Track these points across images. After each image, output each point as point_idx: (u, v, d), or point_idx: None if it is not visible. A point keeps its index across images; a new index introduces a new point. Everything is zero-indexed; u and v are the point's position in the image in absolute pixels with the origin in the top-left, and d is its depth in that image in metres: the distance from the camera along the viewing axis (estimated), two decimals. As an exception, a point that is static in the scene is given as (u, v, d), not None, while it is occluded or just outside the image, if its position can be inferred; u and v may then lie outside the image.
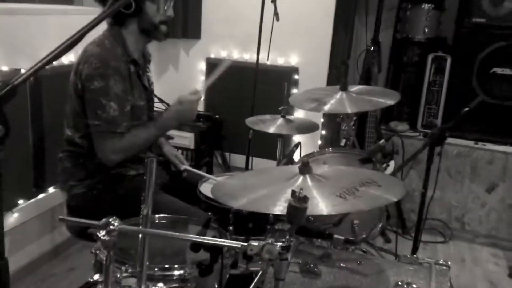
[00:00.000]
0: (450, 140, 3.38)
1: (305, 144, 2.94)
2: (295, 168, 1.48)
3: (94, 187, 1.91)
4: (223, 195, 1.38)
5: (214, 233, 1.52)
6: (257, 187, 1.42)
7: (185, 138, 3.38)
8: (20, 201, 2.47)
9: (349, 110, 2.12)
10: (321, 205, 1.21)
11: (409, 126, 3.53)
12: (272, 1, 2.63)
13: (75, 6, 2.98)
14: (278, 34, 3.00)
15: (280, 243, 0.97)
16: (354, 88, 2.22)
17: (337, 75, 3.36)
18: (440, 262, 1.66)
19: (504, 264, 3.14)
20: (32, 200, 2.54)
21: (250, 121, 2.39)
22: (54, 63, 2.60)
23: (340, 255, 1.67)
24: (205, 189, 2.04)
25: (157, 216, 1.64)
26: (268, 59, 2.94)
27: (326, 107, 2.10)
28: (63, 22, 2.65)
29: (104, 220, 1.06)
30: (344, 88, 2.20)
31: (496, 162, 3.28)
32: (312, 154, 2.15)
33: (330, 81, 3.30)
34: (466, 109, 2.05)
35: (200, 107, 3.64)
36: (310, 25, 3.25)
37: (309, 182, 1.38)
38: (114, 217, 1.07)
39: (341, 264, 1.59)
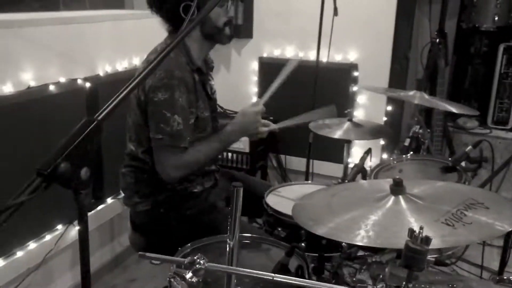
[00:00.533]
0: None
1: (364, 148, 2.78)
2: (385, 185, 1.33)
3: (159, 204, 1.82)
4: (306, 219, 1.25)
5: (299, 262, 1.39)
6: (342, 209, 1.28)
7: (240, 141, 3.26)
8: (81, 214, 2.42)
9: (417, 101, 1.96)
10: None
11: (479, 123, 3.28)
12: (333, -4, 2.46)
13: (126, 11, 2.91)
14: (335, 29, 2.83)
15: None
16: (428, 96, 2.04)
17: (399, 71, 3.15)
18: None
19: None
20: (92, 212, 2.49)
21: (313, 125, 2.24)
22: (109, 70, 2.57)
23: (427, 276, 1.51)
24: (272, 201, 1.92)
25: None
26: (328, 56, 2.77)
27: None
28: (117, 28, 2.58)
29: (189, 258, 0.95)
30: (419, 88, 2.03)
31: None
32: (387, 161, 1.98)
33: (392, 77, 3.10)
34: None
35: (254, 108, 3.52)
36: (369, 17, 3.05)
37: (403, 204, 1.23)
38: (200, 255, 0.96)
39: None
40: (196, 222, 1.81)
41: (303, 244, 1.79)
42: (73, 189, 0.70)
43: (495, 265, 2.46)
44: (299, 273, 1.25)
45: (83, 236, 0.79)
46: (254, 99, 3.54)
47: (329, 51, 2.66)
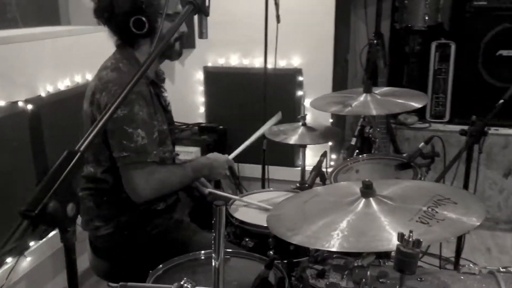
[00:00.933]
0: (459, 127, 3.31)
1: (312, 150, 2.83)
2: (355, 188, 1.36)
3: (122, 226, 1.75)
4: (284, 229, 1.25)
5: (278, 274, 1.38)
6: (316, 216, 1.29)
7: (191, 153, 3.22)
8: (32, 243, 2.29)
9: (374, 112, 2.03)
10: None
11: (418, 118, 3.44)
12: (275, 3, 2.50)
13: (65, 27, 2.78)
14: (278, 36, 2.86)
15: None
16: (378, 90, 2.11)
17: (341, 74, 3.25)
18: (503, 269, 1.56)
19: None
20: (44, 240, 2.36)
21: (269, 133, 2.26)
22: (50, 90, 2.46)
23: (395, 272, 1.56)
24: (236, 212, 1.91)
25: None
26: (275, 63, 2.80)
27: (351, 109, 2.00)
28: (57, 45, 2.46)
29: (176, 284, 0.92)
30: (368, 90, 2.10)
31: (511, 146, 3.22)
32: (344, 163, 2.03)
33: (336, 80, 3.19)
34: (501, 101, 1.97)
35: (202, 119, 3.49)
36: (310, 23, 3.12)
37: (375, 206, 1.26)
38: (187, 279, 0.93)
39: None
40: (163, 241, 1.76)
41: (271, 252, 1.79)
42: (60, 227, 0.66)
43: (447, 254, 2.59)
44: (281, 286, 1.25)
45: (72, 275, 0.74)
46: (201, 109, 3.52)
47: (275, 57, 2.69)
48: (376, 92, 2.09)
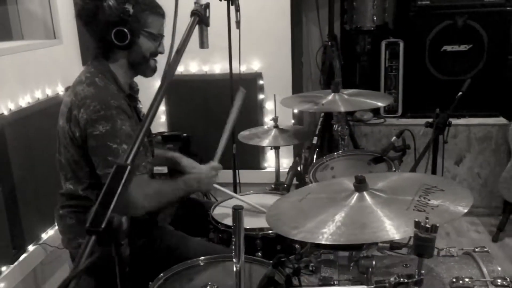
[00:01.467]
0: (412, 120, 3.50)
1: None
2: (346, 184, 1.43)
3: (108, 240, 1.72)
4: (288, 228, 1.29)
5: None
6: (313, 212, 1.34)
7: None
8: (3, 268, 2.19)
9: (343, 109, 2.12)
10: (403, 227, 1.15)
11: (373, 114, 3.59)
12: (236, 10, 2.53)
13: (21, 42, 2.67)
14: (236, 41, 2.91)
15: (410, 280, 0.90)
16: (346, 91, 2.22)
17: (299, 76, 3.34)
18: (477, 249, 1.68)
19: (484, 230, 3.30)
20: (15, 263, 2.26)
21: (243, 136, 2.30)
22: (12, 107, 2.37)
23: (383, 261, 1.63)
24: (220, 216, 1.93)
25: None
26: (240, 67, 2.84)
27: (322, 107, 2.11)
28: (15, 61, 2.37)
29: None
30: (336, 90, 2.19)
31: (460, 136, 3.43)
32: (320, 161, 2.10)
33: (295, 82, 3.27)
34: (460, 93, 2.10)
35: (164, 128, 3.47)
36: (267, 28, 3.19)
37: (369, 199, 1.33)
38: (212, 283, 0.95)
39: (390, 271, 1.55)
40: (150, 250, 1.75)
41: (259, 253, 1.83)
42: (117, 241, 0.66)
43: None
44: (290, 284, 1.28)
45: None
46: (162, 118, 3.49)
47: (239, 62, 2.72)
48: (344, 92, 2.20)
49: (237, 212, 0.99)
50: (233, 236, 1.00)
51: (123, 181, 0.66)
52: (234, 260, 1.01)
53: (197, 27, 1.13)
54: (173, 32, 0.97)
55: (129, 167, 0.69)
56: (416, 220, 0.92)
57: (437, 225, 0.89)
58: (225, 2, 2.57)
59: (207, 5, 1.08)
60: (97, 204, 0.63)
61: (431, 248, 0.90)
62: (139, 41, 1.69)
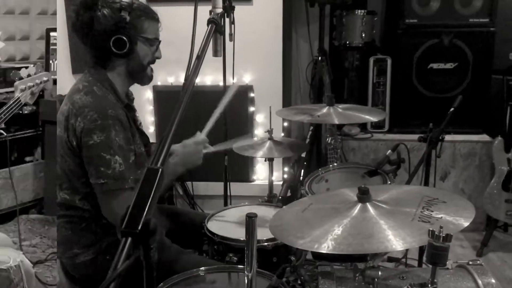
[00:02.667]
0: (399, 136, 3.55)
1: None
2: (348, 195, 1.44)
3: (103, 252, 1.69)
4: (294, 238, 1.29)
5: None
6: (317, 222, 1.35)
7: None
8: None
9: (337, 122, 2.16)
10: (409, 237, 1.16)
11: (360, 129, 3.63)
12: (231, 23, 2.55)
13: None
14: (229, 53, 2.92)
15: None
16: (340, 105, 2.25)
17: (289, 89, 3.37)
18: (470, 262, 1.71)
19: (468, 245, 3.35)
20: None
21: (238, 147, 2.30)
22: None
23: (378, 273, 1.65)
24: (215, 228, 1.92)
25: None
26: (233, 79, 2.84)
27: (318, 118, 2.15)
28: None
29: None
30: (330, 104, 2.22)
31: (446, 152, 3.49)
32: (316, 173, 2.11)
33: (286, 95, 3.30)
34: (452, 109, 2.15)
35: (153, 139, 3.44)
36: (259, 40, 3.21)
37: (372, 211, 1.34)
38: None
39: (387, 283, 1.56)
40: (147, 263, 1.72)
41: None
42: (148, 244, 0.65)
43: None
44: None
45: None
46: (151, 128, 3.47)
47: (233, 74, 2.74)
48: (338, 106, 2.23)
49: (251, 220, 0.99)
50: (245, 245, 1.00)
51: (156, 183, 0.65)
52: (246, 268, 1.01)
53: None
54: (192, 40, 0.97)
55: (161, 170, 0.69)
56: (431, 229, 0.94)
57: (452, 234, 0.91)
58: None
59: (223, 14, 1.08)
60: (131, 206, 0.62)
61: (445, 257, 0.92)
62: (137, 47, 1.69)
